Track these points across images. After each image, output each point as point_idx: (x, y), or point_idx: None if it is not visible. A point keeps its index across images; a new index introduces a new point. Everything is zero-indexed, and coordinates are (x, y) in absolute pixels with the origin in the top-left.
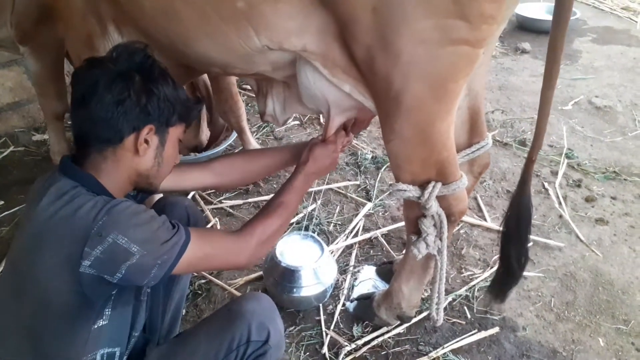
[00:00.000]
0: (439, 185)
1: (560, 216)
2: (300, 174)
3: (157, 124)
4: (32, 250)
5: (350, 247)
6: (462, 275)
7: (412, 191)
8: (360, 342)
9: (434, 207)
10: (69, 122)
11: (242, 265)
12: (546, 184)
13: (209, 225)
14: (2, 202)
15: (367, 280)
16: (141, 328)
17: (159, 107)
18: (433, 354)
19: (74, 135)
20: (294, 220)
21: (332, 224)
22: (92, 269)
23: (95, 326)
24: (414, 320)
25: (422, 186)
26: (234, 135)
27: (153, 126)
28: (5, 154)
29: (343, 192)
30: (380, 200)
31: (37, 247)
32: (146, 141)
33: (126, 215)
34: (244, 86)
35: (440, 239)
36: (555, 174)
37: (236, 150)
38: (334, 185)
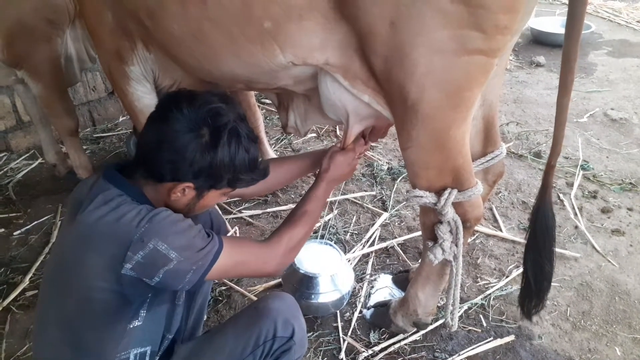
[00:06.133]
0: (455, 191)
1: (576, 227)
2: (321, 182)
3: (198, 184)
4: (78, 250)
5: (366, 255)
6: (478, 284)
7: (428, 197)
8: (377, 349)
9: (450, 213)
10: (94, 135)
11: (270, 273)
12: (561, 195)
13: (228, 235)
14: (29, 210)
15: (384, 289)
16: (175, 331)
17: (207, 173)
18: None
19: (136, 147)
20: None
21: (348, 233)
22: (133, 271)
23: (131, 326)
24: (430, 327)
25: (439, 192)
26: None
27: (193, 185)
28: (33, 165)
29: (359, 202)
30: (396, 210)
31: (83, 247)
32: (183, 190)
33: (166, 223)
34: (263, 100)
35: (456, 245)
36: (570, 185)
37: None
38: (350, 196)
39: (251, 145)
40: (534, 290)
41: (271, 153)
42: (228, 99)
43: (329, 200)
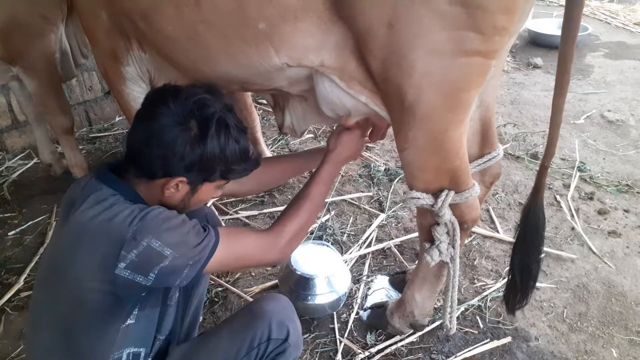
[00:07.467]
0: (452, 193)
1: (573, 228)
2: (327, 163)
3: (191, 178)
4: (70, 251)
5: (363, 257)
6: (475, 285)
7: (425, 199)
8: (373, 350)
9: (447, 215)
10: (90, 135)
11: (273, 262)
12: (558, 197)
13: None
14: (24, 210)
15: (381, 290)
16: (167, 332)
17: (199, 165)
18: None
19: (126, 146)
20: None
21: (345, 234)
22: (127, 270)
23: (124, 325)
24: (427, 329)
25: (436, 194)
26: None
27: (185, 179)
28: (29, 165)
29: (356, 203)
30: (393, 211)
31: (75, 247)
32: (177, 185)
33: (159, 220)
34: (260, 100)
35: (453, 247)
36: (567, 186)
37: None
38: (347, 197)
39: (241, 135)
40: (519, 288)
41: (268, 153)
42: (213, 90)
43: (326, 201)
